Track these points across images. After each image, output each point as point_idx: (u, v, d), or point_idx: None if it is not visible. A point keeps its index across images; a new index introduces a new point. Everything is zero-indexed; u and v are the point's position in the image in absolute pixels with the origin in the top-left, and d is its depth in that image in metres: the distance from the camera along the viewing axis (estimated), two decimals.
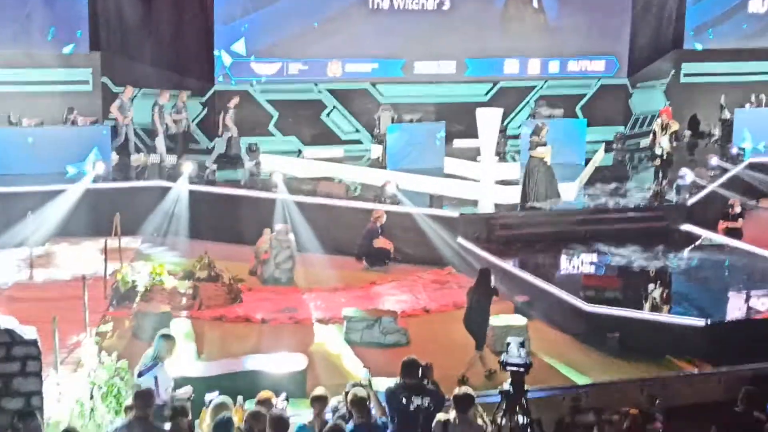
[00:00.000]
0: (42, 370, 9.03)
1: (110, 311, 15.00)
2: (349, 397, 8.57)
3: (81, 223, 18.69)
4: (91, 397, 10.54)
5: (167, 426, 7.97)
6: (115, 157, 21.54)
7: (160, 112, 21.30)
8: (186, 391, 9.69)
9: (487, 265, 16.72)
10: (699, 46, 26.92)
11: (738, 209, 19.57)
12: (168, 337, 10.09)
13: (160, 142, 21.54)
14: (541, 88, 24.99)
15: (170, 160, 21.49)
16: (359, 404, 8.41)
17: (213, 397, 9.29)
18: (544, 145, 18.53)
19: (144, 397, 8.29)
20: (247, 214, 19.23)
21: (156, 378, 9.60)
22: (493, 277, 13.52)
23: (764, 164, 22.86)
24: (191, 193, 19.42)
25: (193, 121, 22.57)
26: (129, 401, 9.18)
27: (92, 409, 10.48)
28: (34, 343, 8.90)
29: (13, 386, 8.75)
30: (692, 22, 26.79)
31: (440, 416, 8.65)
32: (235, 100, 21.87)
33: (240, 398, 9.33)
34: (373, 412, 8.61)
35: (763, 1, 27.28)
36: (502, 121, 22.48)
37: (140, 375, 9.81)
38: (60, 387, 11.21)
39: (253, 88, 22.85)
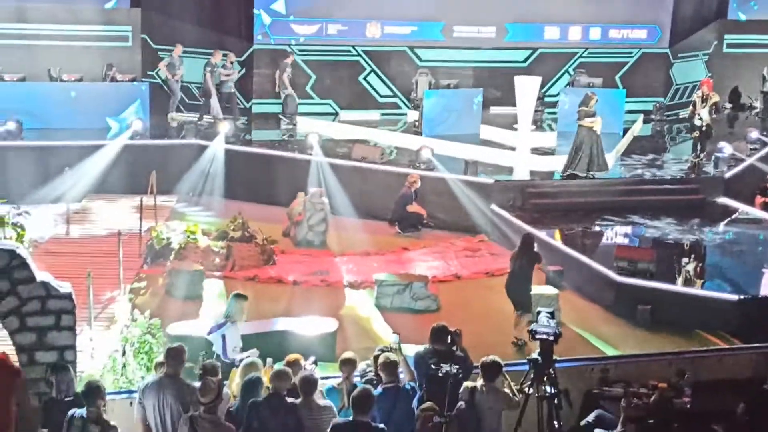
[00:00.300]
0: (76, 324, 9.18)
1: (144, 269, 15.17)
2: (380, 359, 8.62)
3: (118, 180, 18.84)
4: (124, 353, 10.71)
5: (197, 384, 8.06)
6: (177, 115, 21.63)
7: (212, 71, 21.28)
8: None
9: (523, 232, 16.77)
10: (743, 17, 26.51)
11: None
12: (241, 297, 10.20)
13: (215, 102, 21.57)
14: (581, 55, 24.74)
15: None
16: (390, 367, 8.46)
17: (242, 357, 9.40)
18: (593, 115, 18.27)
19: (175, 355, 8.37)
20: (282, 175, 19.29)
21: (224, 337, 9.78)
22: (536, 244, 13.59)
23: None
24: (227, 152, 19.48)
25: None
26: (160, 358, 9.31)
27: (124, 365, 10.65)
28: (68, 297, 9.06)
29: (48, 340, 8.93)
30: None
31: (468, 384, 8.70)
32: (291, 58, 21.93)
33: (270, 360, 9.41)
34: (402, 376, 8.66)
35: None
36: (541, 89, 22.33)
37: (209, 332, 9.97)
38: (93, 342, 11.40)
39: (292, 48, 22.80)
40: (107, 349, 11.03)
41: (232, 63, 21.73)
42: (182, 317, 12.81)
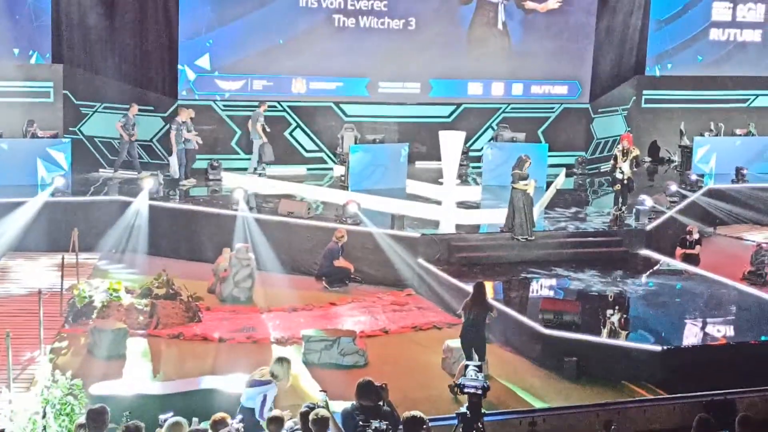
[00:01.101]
0: None
1: (66, 328, 14.85)
2: (311, 416, 8.51)
3: (38, 238, 18.52)
4: (44, 416, 10.41)
5: None
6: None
7: (178, 129, 21.07)
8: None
9: (448, 285, 16.84)
10: (660, 73, 27.25)
11: (696, 236, 19.78)
12: (286, 361, 10.14)
13: (174, 160, 21.33)
14: (504, 110, 25.13)
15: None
16: (321, 424, 8.35)
17: (167, 417, 9.20)
18: (526, 178, 18.40)
19: (96, 416, 8.18)
20: (207, 231, 19.15)
21: (265, 396, 9.62)
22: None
23: (722, 191, 23.14)
24: (151, 208, 19.27)
25: (154, 137, 22.47)
26: (81, 419, 9.08)
27: (45, 428, 10.35)
28: None
29: None
30: (654, 50, 27.13)
31: None
32: (265, 106, 21.97)
33: (195, 419, 9.23)
34: None
35: (723, 30, 27.68)
36: (465, 143, 22.61)
37: (250, 385, 9.83)
38: (12, 404, 11.07)
39: (217, 104, 22.78)
40: (27, 412, 10.72)
41: (191, 120, 21.55)
42: (105, 377, 12.54)
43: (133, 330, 14.74)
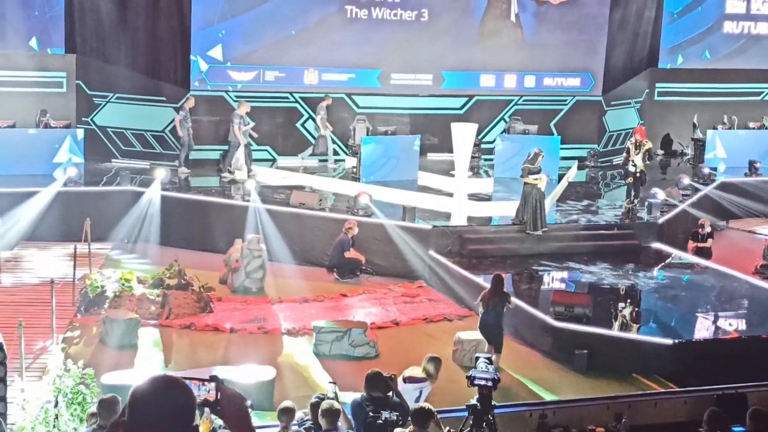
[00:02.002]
0: (7, 375, 8.97)
1: (78, 317, 14.91)
2: (323, 406, 8.53)
3: (51, 228, 18.59)
4: (56, 405, 10.46)
5: None
6: (184, 170, 21.46)
7: (240, 123, 21.11)
8: None
9: (459, 278, 16.84)
10: (673, 66, 27.14)
11: (708, 229, 19.73)
12: (437, 359, 10.62)
13: (241, 153, 21.31)
14: (517, 102, 25.09)
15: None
16: (332, 415, 8.38)
17: None
18: (538, 172, 18.21)
19: (108, 405, 8.21)
20: (219, 222, 19.18)
21: (420, 392, 10.11)
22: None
23: (735, 185, 23.05)
24: (163, 199, 19.32)
25: (166, 127, 22.52)
26: (93, 408, 9.12)
27: (57, 417, 10.40)
28: None
29: None
30: (667, 42, 27.02)
31: (398, 431, 8.64)
32: (328, 100, 22.01)
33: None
34: (340, 425, 8.58)
35: (737, 23, 27.55)
36: (477, 135, 22.57)
37: (406, 381, 10.23)
38: (25, 393, 11.13)
39: (229, 94, 22.80)
40: (39, 400, 10.78)
41: (247, 113, 21.60)
42: (117, 367, 12.59)
43: (145, 320, 14.80)
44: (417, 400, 9.97)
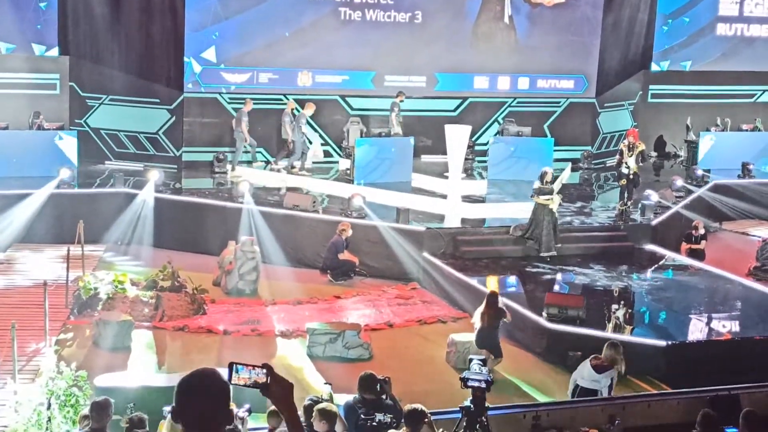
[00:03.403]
0: None
1: (71, 319, 14.89)
2: (320, 408, 8.51)
3: (44, 230, 18.57)
4: (49, 407, 10.44)
5: None
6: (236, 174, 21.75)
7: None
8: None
9: (453, 280, 16.84)
10: (666, 68, 27.19)
11: (701, 231, 19.74)
12: (617, 345, 11.55)
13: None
14: (510, 104, 25.10)
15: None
16: (329, 417, 8.34)
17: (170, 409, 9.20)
18: (549, 193, 17.80)
19: (100, 408, 8.21)
20: (213, 223, 19.16)
21: (612, 379, 10.94)
22: (500, 299, 13.99)
23: (728, 186, 23.09)
24: (156, 200, 19.30)
25: (159, 129, 22.50)
26: (85, 411, 9.12)
27: (49, 419, 10.38)
28: None
29: None
30: (661, 44, 27.06)
31: None
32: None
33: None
34: (336, 428, 8.56)
35: (731, 25, 27.60)
36: (471, 137, 22.58)
37: (597, 371, 11.19)
38: (17, 395, 11.10)
39: (223, 96, 22.78)
40: (32, 403, 10.76)
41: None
42: (110, 369, 12.58)
43: (138, 322, 14.78)
44: (610, 387, 10.90)
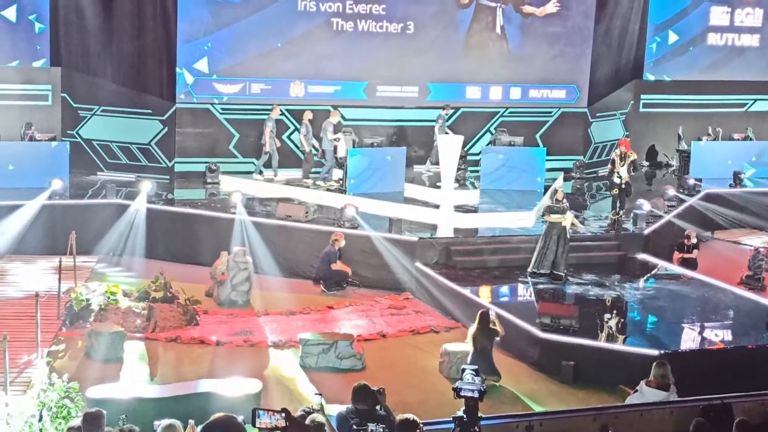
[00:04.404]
0: None
1: (63, 331, 14.85)
2: (308, 421, 8.50)
3: (36, 241, 18.54)
4: (41, 419, 10.40)
5: None
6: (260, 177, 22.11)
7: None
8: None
9: (446, 289, 16.84)
10: (658, 78, 27.26)
11: (694, 240, 19.79)
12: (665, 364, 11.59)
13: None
14: (502, 114, 25.14)
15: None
16: (318, 429, 8.34)
17: (161, 423, 9.17)
18: (562, 212, 17.30)
19: (92, 419, 8.16)
20: (205, 234, 19.14)
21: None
22: (492, 316, 13.91)
23: (720, 196, 23.15)
24: (149, 211, 19.28)
25: (152, 140, 22.48)
26: (73, 422, 9.06)
27: (41, 431, 10.33)
28: None
29: None
30: (652, 54, 27.16)
31: None
32: (309, 114, 22.11)
33: (191, 421, 9.22)
34: None
35: (722, 35, 27.71)
36: (463, 147, 22.62)
37: (655, 388, 11.27)
38: (9, 407, 11.07)
39: (215, 107, 22.79)
40: (23, 415, 10.72)
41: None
42: (102, 380, 12.53)
43: (131, 333, 14.74)
44: None
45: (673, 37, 27.20)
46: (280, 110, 22.43)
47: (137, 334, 14.93)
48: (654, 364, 11.78)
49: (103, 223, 19.06)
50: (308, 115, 22.07)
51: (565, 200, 17.63)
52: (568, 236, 17.57)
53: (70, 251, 16.72)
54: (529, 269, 17.64)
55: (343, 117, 23.68)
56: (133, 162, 22.49)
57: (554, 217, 17.41)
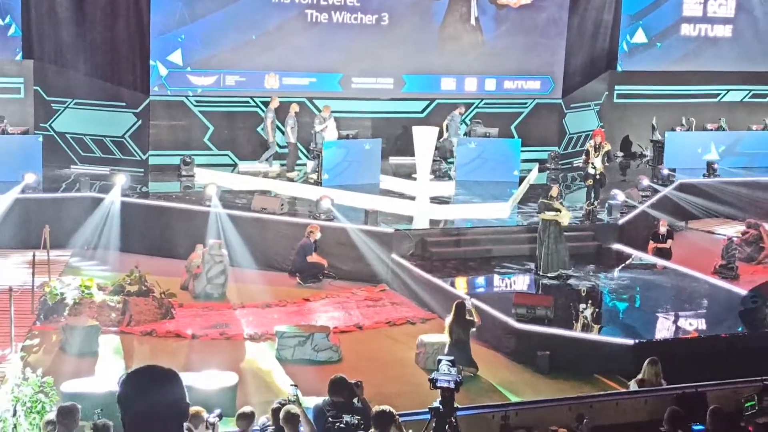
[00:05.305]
0: None
1: (37, 325, 14.75)
2: (282, 413, 8.51)
3: (9, 235, 18.41)
4: (15, 414, 10.33)
5: None
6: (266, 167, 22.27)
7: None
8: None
9: (422, 281, 16.86)
10: (632, 68, 27.37)
11: (663, 229, 19.89)
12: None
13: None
14: (477, 105, 25.17)
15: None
16: (291, 421, 8.36)
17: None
18: (557, 210, 17.22)
19: (67, 413, 8.13)
20: (180, 227, 19.07)
21: None
22: (468, 305, 13.92)
23: (694, 185, 23.29)
24: (123, 205, 19.17)
25: (125, 132, 22.35)
26: (49, 416, 9.02)
27: (15, 426, 10.28)
28: None
29: None
30: (626, 45, 27.25)
31: None
32: (295, 107, 22.04)
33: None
34: (302, 429, 8.55)
35: (695, 25, 27.84)
36: (438, 138, 22.63)
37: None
38: None
39: (189, 99, 22.68)
40: None
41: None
42: (77, 374, 12.46)
43: (106, 327, 14.68)
44: None
45: (640, 37, 27.28)
46: (279, 101, 22.41)
47: (112, 328, 14.87)
48: (646, 362, 11.78)
49: (77, 216, 18.94)
50: (295, 108, 22.02)
51: (560, 196, 17.64)
52: (563, 235, 17.46)
53: (44, 245, 16.60)
54: (539, 272, 17.33)
55: (318, 109, 23.59)
56: (107, 155, 22.35)
57: (550, 215, 17.40)
